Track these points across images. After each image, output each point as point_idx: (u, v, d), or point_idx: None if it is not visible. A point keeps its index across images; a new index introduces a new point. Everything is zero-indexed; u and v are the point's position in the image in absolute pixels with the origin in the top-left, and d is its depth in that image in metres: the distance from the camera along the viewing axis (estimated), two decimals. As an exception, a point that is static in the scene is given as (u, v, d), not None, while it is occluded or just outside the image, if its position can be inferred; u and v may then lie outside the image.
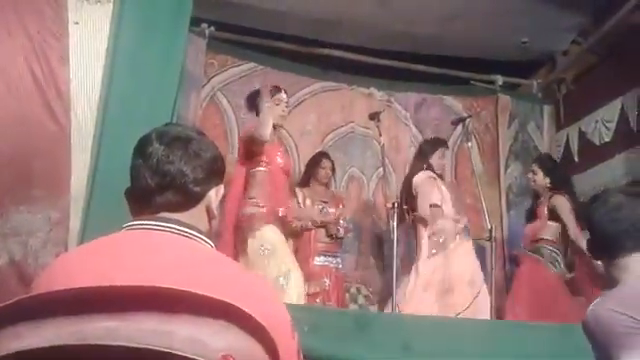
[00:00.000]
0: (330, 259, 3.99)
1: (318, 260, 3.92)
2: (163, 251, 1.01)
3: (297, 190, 4.10)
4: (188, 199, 1.09)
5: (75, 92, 2.47)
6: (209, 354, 0.82)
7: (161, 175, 1.07)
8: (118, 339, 0.80)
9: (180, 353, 0.78)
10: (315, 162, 4.20)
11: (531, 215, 4.05)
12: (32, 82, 2.41)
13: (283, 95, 3.43)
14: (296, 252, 3.96)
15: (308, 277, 3.71)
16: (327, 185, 4.21)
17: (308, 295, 3.70)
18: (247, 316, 0.87)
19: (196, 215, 1.10)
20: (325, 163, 4.17)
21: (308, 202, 4.02)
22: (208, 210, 1.13)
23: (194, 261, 1.01)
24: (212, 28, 4.25)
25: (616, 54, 4.33)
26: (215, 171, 1.14)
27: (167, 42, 3.05)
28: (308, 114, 4.79)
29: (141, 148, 1.11)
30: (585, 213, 1.58)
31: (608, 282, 1.47)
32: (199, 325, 0.85)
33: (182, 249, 1.03)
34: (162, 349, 0.79)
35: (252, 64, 4.65)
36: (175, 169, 1.08)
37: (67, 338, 0.80)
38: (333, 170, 4.25)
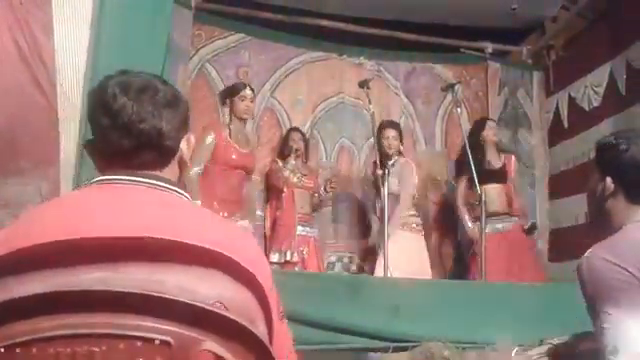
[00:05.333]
0: (307, 229, 4.12)
1: (298, 230, 4.04)
2: (148, 206, 0.99)
3: (278, 160, 4.20)
4: (164, 156, 1.06)
5: (60, 63, 2.45)
6: (200, 301, 0.83)
7: (135, 136, 1.02)
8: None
9: (171, 297, 0.80)
10: (284, 137, 4.35)
11: None
12: (16, 53, 2.38)
13: (248, 91, 3.62)
14: (275, 220, 4.09)
15: (290, 246, 3.93)
16: (301, 157, 4.24)
17: (289, 263, 3.90)
18: (236, 264, 0.89)
19: (171, 169, 1.08)
20: (293, 135, 4.26)
21: (287, 173, 4.10)
22: (180, 161, 1.11)
23: (178, 213, 1.00)
24: (198, -1, 4.19)
25: (604, 19, 4.31)
26: (185, 121, 1.10)
27: (152, 13, 3.02)
28: (299, 84, 4.77)
29: (105, 104, 1.02)
30: (608, 149, 1.46)
31: (608, 225, 1.43)
32: (189, 274, 0.86)
33: (165, 203, 1.02)
34: (155, 293, 0.80)
35: (240, 35, 4.60)
36: (149, 127, 1.02)
37: (54, 289, 0.81)
38: (305, 142, 4.31)
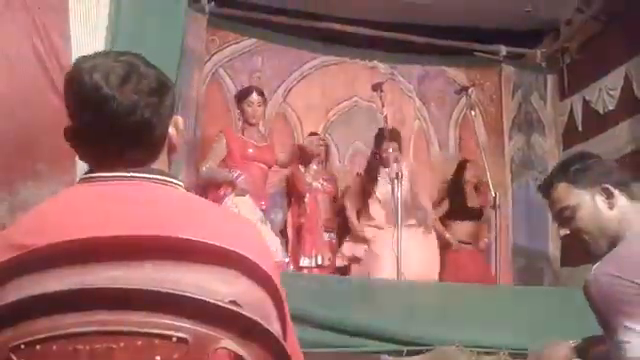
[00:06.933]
0: (331, 234, 4.19)
1: (325, 236, 4.11)
2: (155, 202, 0.97)
3: (300, 167, 4.22)
4: (155, 148, 1.01)
5: (77, 67, 2.48)
6: (216, 299, 0.84)
7: (123, 131, 0.95)
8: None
9: (189, 294, 0.80)
10: (305, 142, 4.33)
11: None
12: (34, 57, 2.42)
13: (254, 96, 3.65)
14: (300, 226, 4.05)
15: (319, 250, 3.98)
16: (323, 163, 4.29)
17: (322, 268, 3.95)
18: (252, 264, 0.89)
19: (162, 159, 1.03)
20: (315, 142, 4.25)
21: (309, 179, 4.11)
22: (169, 146, 1.05)
23: (184, 209, 0.98)
24: (212, 4, 4.23)
25: (619, 21, 4.29)
26: (172, 105, 1.03)
27: (167, 18, 3.05)
28: (312, 89, 4.79)
29: (86, 98, 0.94)
30: (597, 164, 1.50)
31: (612, 242, 1.40)
32: (204, 273, 0.86)
33: (168, 198, 0.99)
34: (172, 291, 0.81)
35: (253, 40, 4.63)
36: (136, 119, 0.95)
37: (70, 287, 0.81)
38: (326, 148, 4.36)
